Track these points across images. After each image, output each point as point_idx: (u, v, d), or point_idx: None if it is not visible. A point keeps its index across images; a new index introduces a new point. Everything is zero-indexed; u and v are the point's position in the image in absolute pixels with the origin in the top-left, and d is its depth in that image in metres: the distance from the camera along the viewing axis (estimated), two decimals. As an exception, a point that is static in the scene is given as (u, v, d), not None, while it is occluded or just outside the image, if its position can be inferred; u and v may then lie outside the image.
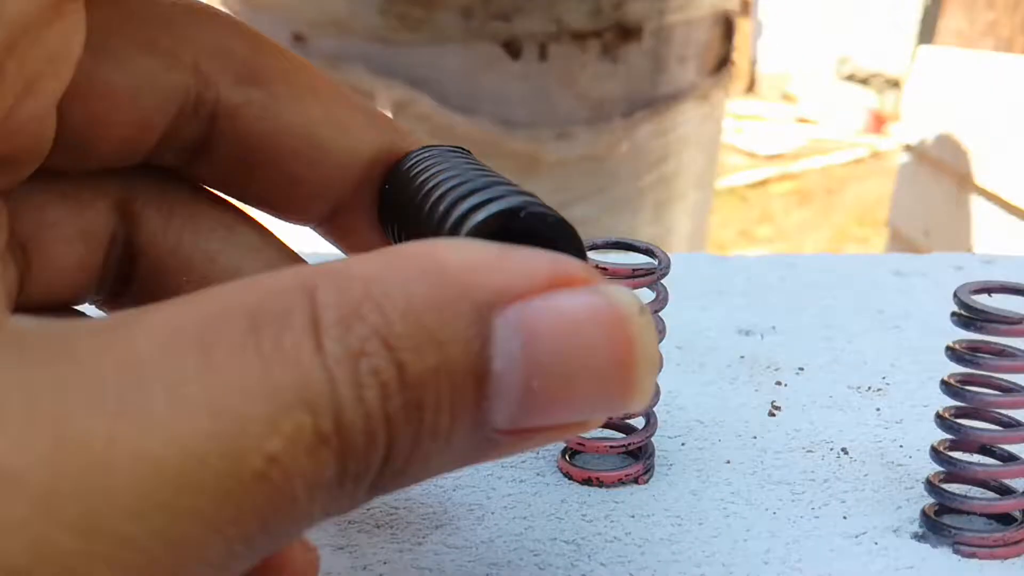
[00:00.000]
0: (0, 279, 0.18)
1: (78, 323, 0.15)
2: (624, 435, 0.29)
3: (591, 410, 0.17)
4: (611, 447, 0.29)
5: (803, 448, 0.31)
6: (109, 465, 0.13)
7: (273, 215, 0.25)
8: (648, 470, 0.29)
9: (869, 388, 0.35)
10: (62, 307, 0.23)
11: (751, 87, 5.01)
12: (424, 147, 0.24)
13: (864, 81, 4.64)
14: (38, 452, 0.13)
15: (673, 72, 1.19)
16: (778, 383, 0.35)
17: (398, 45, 1.02)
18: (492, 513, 0.27)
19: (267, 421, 0.14)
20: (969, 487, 0.27)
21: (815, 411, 0.33)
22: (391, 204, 0.24)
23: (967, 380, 0.26)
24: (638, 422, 0.30)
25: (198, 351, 0.14)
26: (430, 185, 0.22)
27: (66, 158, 0.21)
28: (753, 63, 5.01)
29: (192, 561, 0.14)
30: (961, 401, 0.26)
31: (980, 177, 1.19)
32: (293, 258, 0.25)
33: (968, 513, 0.27)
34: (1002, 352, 0.26)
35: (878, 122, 4.45)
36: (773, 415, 0.33)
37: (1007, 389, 0.26)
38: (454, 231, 0.19)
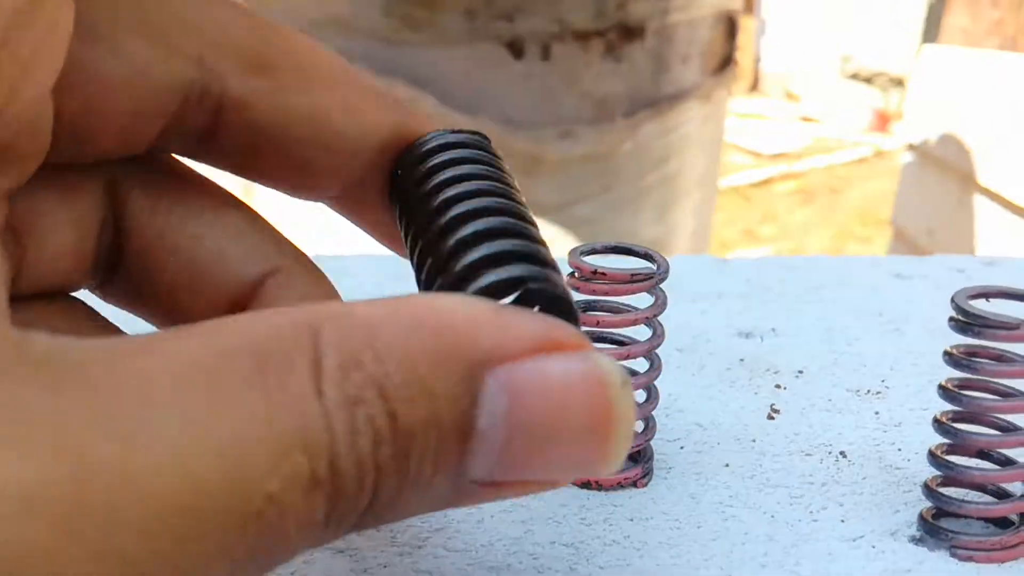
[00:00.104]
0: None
1: (92, 346, 0.15)
2: (623, 438, 0.29)
3: (564, 471, 0.18)
4: (610, 450, 0.29)
5: (802, 451, 0.31)
6: (124, 493, 0.14)
7: (284, 192, 0.25)
8: (647, 473, 0.29)
9: (868, 391, 0.35)
10: (57, 293, 0.23)
11: (755, 86, 5.01)
12: (436, 133, 0.24)
13: (868, 80, 4.63)
14: (60, 477, 0.13)
15: (676, 71, 1.19)
16: (777, 386, 0.35)
17: (401, 45, 1.02)
18: (491, 516, 0.27)
19: (269, 461, 0.15)
20: (967, 491, 0.27)
21: (814, 414, 0.33)
22: (400, 192, 0.24)
23: (965, 385, 0.27)
24: (637, 425, 0.30)
25: (207, 387, 0.15)
26: (438, 194, 0.22)
27: (66, 150, 0.21)
28: (757, 62, 5.01)
29: None
30: (959, 406, 0.26)
31: (984, 176, 1.19)
32: (280, 242, 0.25)
33: (966, 517, 0.27)
34: (1000, 357, 0.26)
35: (882, 121, 4.44)
36: (772, 418, 0.33)
37: (1005, 394, 0.26)
38: (459, 281, 0.19)
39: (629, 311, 0.29)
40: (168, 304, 0.24)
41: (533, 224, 0.22)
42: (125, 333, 0.24)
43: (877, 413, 0.33)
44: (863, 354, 0.38)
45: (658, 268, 0.28)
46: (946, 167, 1.28)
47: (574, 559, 0.25)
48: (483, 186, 0.22)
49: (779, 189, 3.67)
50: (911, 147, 1.41)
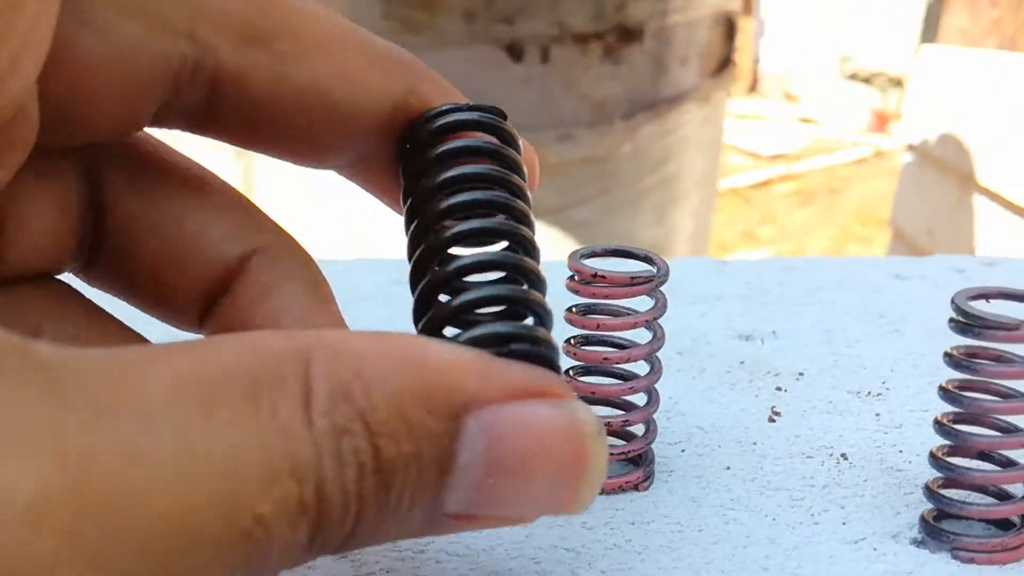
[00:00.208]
0: None
1: (93, 356, 0.15)
2: (624, 442, 0.29)
3: (533, 510, 0.19)
4: (611, 454, 0.29)
5: (803, 454, 0.31)
6: (125, 506, 0.14)
7: (289, 162, 0.24)
8: (648, 477, 0.29)
9: (869, 393, 0.35)
10: (40, 276, 0.23)
11: (753, 87, 5.01)
12: (450, 107, 0.23)
13: (867, 80, 4.63)
14: (65, 487, 0.13)
15: (675, 73, 1.19)
16: (778, 388, 0.35)
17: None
18: (492, 520, 0.27)
19: (260, 484, 0.15)
20: (968, 492, 0.27)
21: (815, 416, 0.33)
22: (406, 173, 0.23)
23: (965, 386, 0.27)
24: (638, 429, 0.30)
25: (202, 408, 0.15)
26: (443, 196, 0.22)
27: (59, 135, 0.21)
28: (755, 63, 5.01)
29: None
30: (959, 407, 0.26)
31: (983, 176, 1.19)
32: (263, 221, 0.24)
33: (967, 519, 0.27)
34: (1000, 358, 0.26)
35: (881, 121, 4.44)
36: (773, 421, 0.33)
37: (1005, 395, 0.26)
38: (451, 317, 0.21)
39: (629, 314, 0.29)
40: (151, 286, 0.24)
41: (532, 227, 0.23)
42: (111, 316, 0.24)
43: (878, 415, 0.33)
44: (863, 356, 0.38)
45: (658, 271, 0.28)
46: (945, 167, 1.28)
47: (575, 563, 0.25)
48: (488, 197, 0.22)
49: (778, 190, 3.68)
50: (910, 147, 1.41)
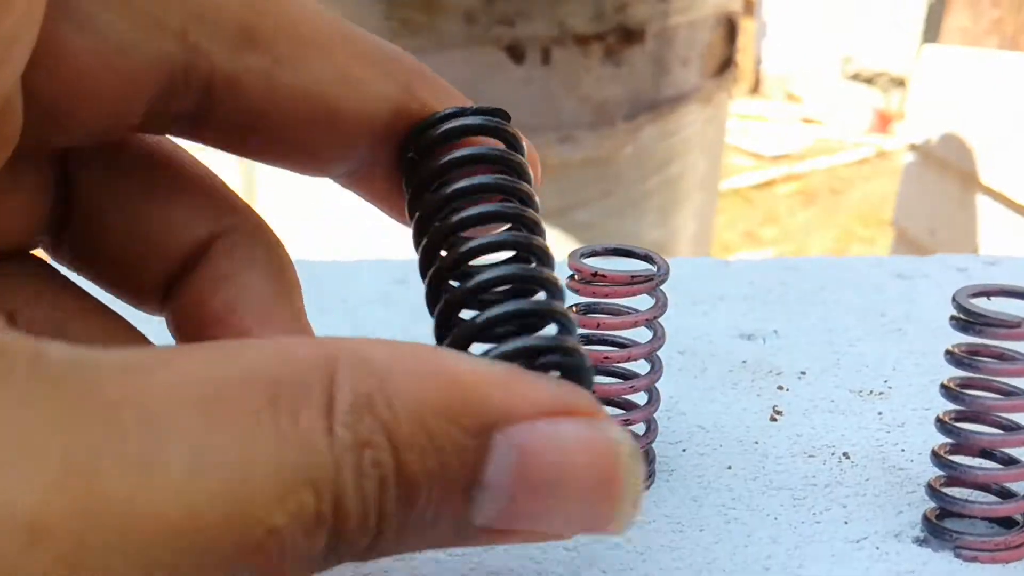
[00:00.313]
0: None
1: (107, 360, 0.15)
2: (625, 441, 0.29)
3: (567, 529, 0.18)
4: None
5: (804, 453, 0.31)
6: (128, 524, 0.14)
7: (287, 170, 0.24)
8: (649, 476, 0.29)
9: (871, 392, 0.35)
10: (11, 253, 0.23)
11: (755, 88, 5.01)
12: (453, 111, 0.23)
13: (869, 80, 4.63)
14: (68, 508, 0.13)
15: (676, 74, 1.19)
16: (780, 388, 0.35)
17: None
18: (493, 521, 0.27)
19: (275, 496, 0.15)
20: (970, 491, 0.27)
21: (817, 416, 0.33)
22: (412, 180, 0.23)
23: (967, 384, 0.26)
24: (639, 428, 0.30)
25: (218, 415, 0.15)
26: (453, 209, 0.22)
27: (47, 135, 0.20)
28: (757, 63, 5.01)
29: None
30: (961, 405, 0.26)
31: (986, 176, 1.19)
32: (232, 204, 0.24)
33: (970, 517, 0.27)
34: (1002, 356, 0.26)
35: (883, 122, 4.44)
36: (775, 420, 0.33)
37: (1007, 393, 0.26)
38: (477, 334, 0.20)
39: (629, 313, 0.29)
40: (114, 266, 0.24)
41: (543, 235, 0.22)
42: (86, 292, 0.24)
43: (880, 414, 0.33)
44: (865, 355, 0.38)
45: (658, 270, 0.28)
46: (948, 167, 1.28)
47: (576, 563, 0.25)
48: (500, 209, 0.22)
49: (781, 191, 3.67)
50: (913, 147, 1.41)
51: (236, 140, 0.22)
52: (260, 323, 0.23)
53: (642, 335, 0.29)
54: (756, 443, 0.31)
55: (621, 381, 0.29)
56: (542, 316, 0.21)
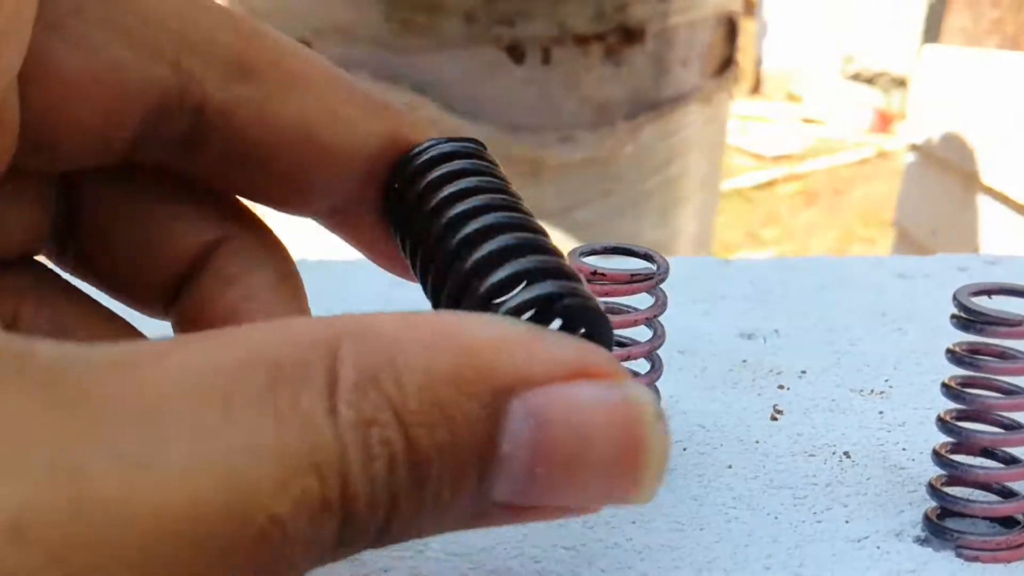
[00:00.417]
0: None
1: (99, 355, 0.15)
2: (625, 441, 0.29)
3: (592, 500, 0.17)
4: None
5: (805, 452, 0.31)
6: (122, 519, 0.13)
7: (273, 208, 0.24)
8: (649, 476, 0.29)
9: (872, 391, 0.35)
10: (15, 260, 0.23)
11: (756, 88, 5.01)
12: (432, 142, 0.23)
13: (870, 80, 4.63)
14: (56, 503, 0.13)
15: (676, 74, 1.19)
16: (780, 387, 0.35)
17: (402, 51, 1.03)
18: (493, 520, 0.27)
19: (277, 482, 0.14)
20: (972, 490, 0.27)
21: (817, 415, 0.33)
22: (400, 209, 0.23)
23: (968, 383, 0.26)
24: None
25: (217, 403, 0.14)
26: (446, 210, 0.22)
27: (37, 155, 0.20)
28: (758, 64, 5.01)
29: None
30: (962, 404, 0.26)
31: (987, 176, 1.18)
32: (235, 210, 0.24)
33: (971, 516, 0.27)
34: (1003, 354, 0.26)
35: (884, 121, 4.44)
36: (775, 419, 0.33)
37: (1008, 391, 0.26)
38: (486, 301, 0.19)
39: (629, 312, 0.29)
40: (119, 273, 0.24)
41: (545, 235, 0.22)
42: (89, 296, 0.24)
43: (881, 413, 0.33)
44: (866, 354, 0.37)
45: (658, 268, 0.28)
46: (949, 167, 1.28)
47: (575, 562, 0.25)
48: (492, 200, 0.22)
49: (782, 191, 3.67)
50: (913, 147, 1.41)
51: (222, 170, 0.22)
52: None
53: (642, 334, 0.29)
54: (757, 442, 0.31)
55: (621, 380, 0.29)
56: (551, 271, 0.19)
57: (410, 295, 0.42)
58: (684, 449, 0.31)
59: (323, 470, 0.15)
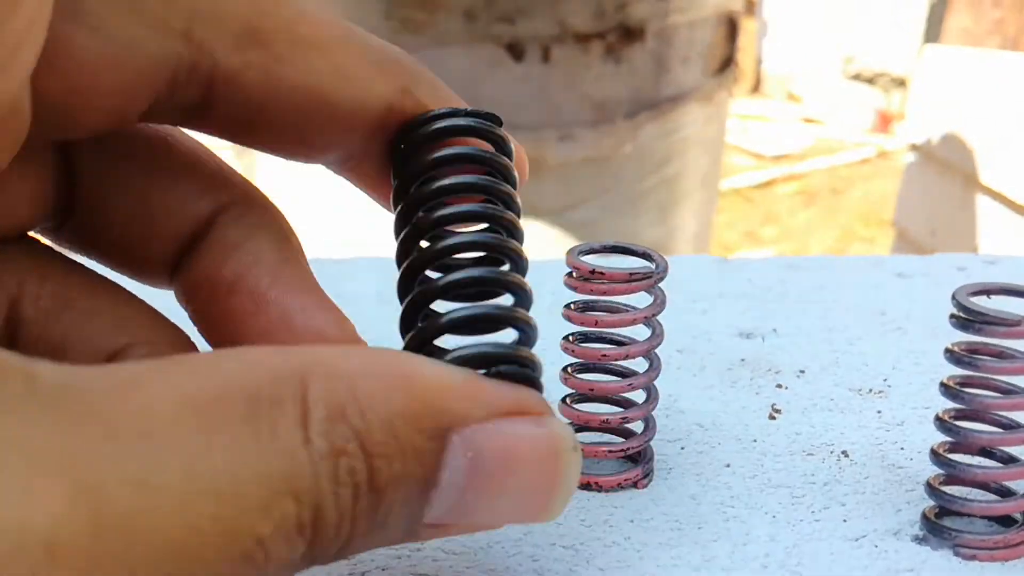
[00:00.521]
0: None
1: (94, 376, 0.15)
2: (623, 439, 0.29)
3: (504, 520, 0.20)
4: (610, 451, 0.29)
5: (803, 451, 0.31)
6: (133, 539, 0.14)
7: (282, 158, 0.24)
8: (647, 474, 0.29)
9: (870, 390, 0.35)
10: (14, 238, 0.23)
11: (756, 87, 5.01)
12: (443, 112, 0.23)
13: (870, 80, 4.63)
14: (80, 523, 0.14)
15: (676, 73, 1.19)
16: (779, 386, 0.35)
17: (401, 48, 1.02)
18: (490, 518, 0.27)
19: (261, 506, 0.15)
20: (970, 489, 0.27)
21: (816, 414, 0.33)
22: (399, 172, 0.23)
23: (966, 382, 0.26)
24: (637, 426, 0.30)
25: (204, 430, 0.15)
26: (435, 205, 0.22)
27: (54, 130, 0.21)
28: (758, 63, 5.01)
29: None
30: (960, 403, 0.26)
31: (986, 176, 1.18)
32: (230, 178, 0.24)
33: (969, 515, 0.27)
34: (1001, 354, 0.26)
35: (884, 121, 4.44)
36: (773, 418, 0.33)
37: (1006, 391, 0.26)
38: (441, 330, 0.21)
39: (628, 311, 0.29)
40: (121, 246, 0.24)
41: (520, 237, 0.23)
42: (90, 270, 0.24)
43: (879, 412, 0.33)
44: (865, 353, 0.37)
45: (656, 267, 0.28)
46: (948, 167, 1.28)
47: (574, 561, 0.25)
48: (479, 209, 0.23)
49: (781, 191, 3.67)
50: (913, 147, 1.41)
51: (232, 130, 0.23)
52: (271, 286, 0.23)
53: (640, 333, 0.29)
54: (755, 441, 0.31)
55: (619, 379, 0.29)
56: (502, 321, 0.21)
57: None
58: (682, 448, 0.31)
59: (299, 495, 0.16)
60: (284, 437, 0.16)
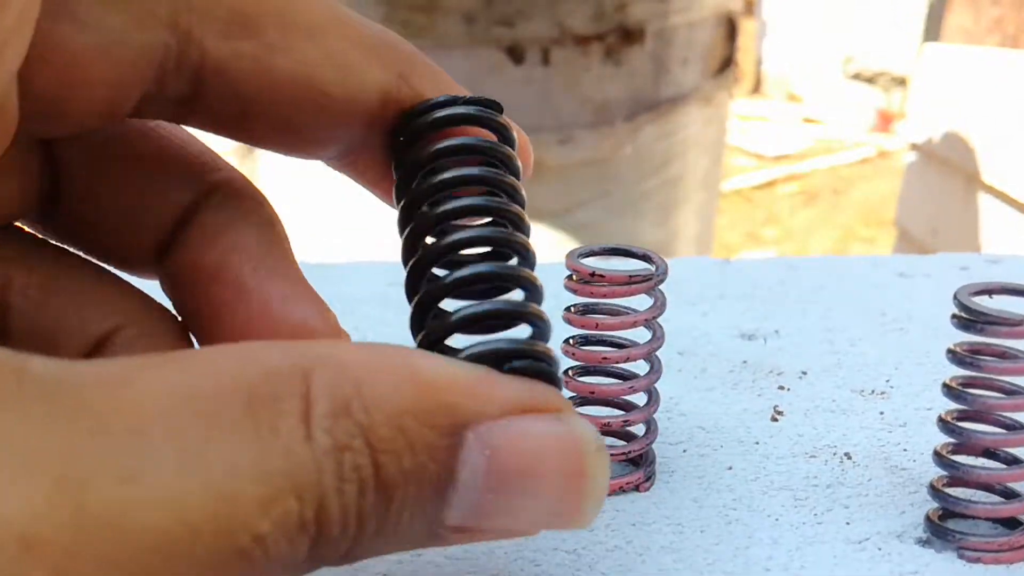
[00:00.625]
0: None
1: (87, 371, 0.15)
2: (625, 443, 0.29)
3: (535, 524, 0.19)
4: (612, 455, 0.29)
5: (806, 453, 0.30)
6: (120, 533, 0.14)
7: (279, 153, 0.24)
8: (649, 478, 0.29)
9: (873, 391, 0.34)
10: (1, 229, 0.23)
11: (756, 88, 5.01)
12: (443, 100, 0.23)
13: (870, 80, 4.63)
14: (61, 518, 0.13)
15: (676, 74, 1.19)
16: (781, 388, 0.35)
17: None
18: (492, 523, 0.27)
19: (260, 503, 0.15)
20: (973, 491, 0.27)
21: (818, 416, 0.33)
22: (399, 164, 0.23)
23: (969, 383, 0.26)
24: (639, 429, 0.29)
25: (200, 425, 0.15)
26: (439, 200, 0.22)
27: (41, 126, 0.20)
28: (758, 64, 5.01)
29: None
30: (963, 404, 0.26)
31: (987, 175, 1.18)
32: (215, 164, 0.24)
33: (973, 518, 0.26)
34: (1004, 354, 0.26)
35: (885, 121, 4.44)
36: (776, 420, 0.33)
37: (1009, 391, 0.26)
38: (451, 329, 0.20)
39: (628, 313, 0.29)
40: (106, 237, 0.24)
41: (527, 231, 0.22)
42: (80, 257, 0.24)
43: (882, 413, 0.33)
44: (867, 354, 0.37)
45: (656, 269, 0.28)
46: (950, 166, 1.28)
47: (576, 565, 0.25)
48: (484, 202, 0.22)
49: (782, 191, 3.67)
50: (914, 147, 1.40)
51: (225, 123, 0.22)
52: (253, 275, 0.23)
53: (641, 335, 0.29)
54: (757, 444, 0.31)
55: (620, 382, 0.29)
56: (514, 317, 0.21)
57: (404, 295, 0.42)
58: (684, 451, 0.31)
59: (302, 493, 0.15)
60: (285, 433, 0.16)
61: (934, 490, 0.26)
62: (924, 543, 0.26)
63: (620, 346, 0.29)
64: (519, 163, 0.23)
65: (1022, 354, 0.25)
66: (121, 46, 0.19)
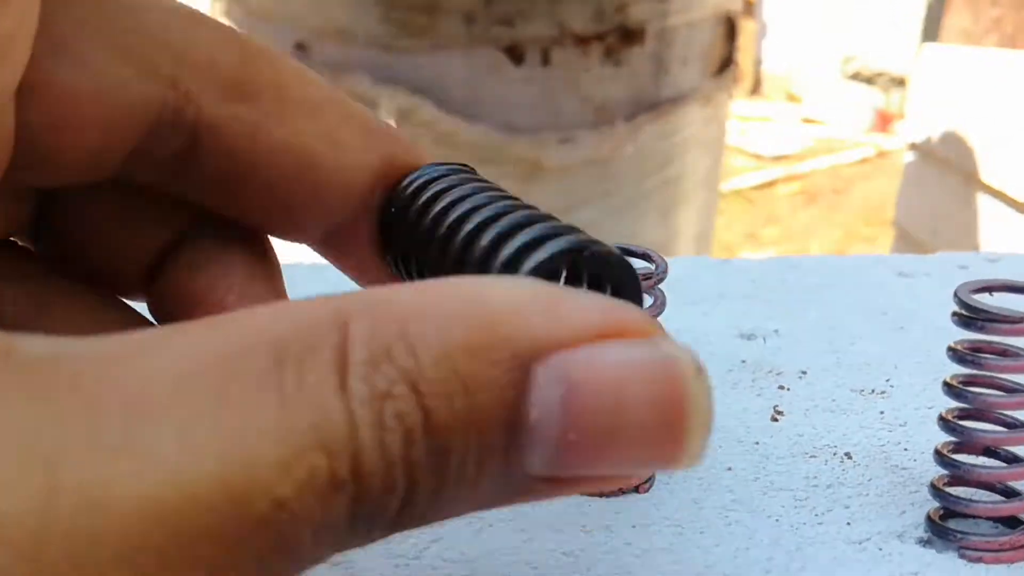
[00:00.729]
0: None
1: (92, 347, 0.14)
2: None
3: (633, 467, 0.16)
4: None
5: (806, 453, 0.30)
6: (101, 507, 0.13)
7: (266, 232, 0.24)
8: (649, 479, 0.29)
9: (873, 391, 0.34)
10: None
11: (756, 88, 5.01)
12: (429, 165, 0.23)
13: (869, 80, 4.63)
14: (28, 497, 0.12)
15: (676, 74, 1.19)
16: (780, 387, 0.35)
17: (400, 52, 1.02)
18: (490, 526, 0.26)
19: (278, 464, 0.13)
20: (974, 490, 0.27)
21: (818, 415, 0.33)
22: (397, 227, 0.23)
23: (969, 381, 0.26)
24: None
25: (215, 387, 0.14)
26: (446, 215, 0.22)
27: (32, 171, 0.20)
28: (758, 64, 5.01)
29: None
30: (964, 403, 0.26)
31: (986, 175, 1.18)
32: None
33: (974, 517, 0.26)
34: (1004, 352, 0.26)
35: (884, 121, 4.44)
36: (775, 420, 0.32)
37: (1010, 390, 0.26)
38: (506, 270, 0.18)
39: (627, 313, 0.28)
40: (95, 265, 0.24)
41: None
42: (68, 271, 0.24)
43: (882, 413, 0.33)
44: (867, 353, 0.37)
45: (656, 268, 0.28)
46: (949, 166, 1.28)
47: (574, 568, 0.25)
48: (493, 196, 0.22)
49: (782, 191, 3.67)
50: (913, 146, 1.40)
51: (216, 189, 0.22)
52: (238, 303, 0.23)
53: (640, 335, 0.28)
54: (757, 444, 0.31)
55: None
56: (568, 230, 0.19)
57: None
58: (683, 451, 0.30)
59: (332, 448, 0.14)
60: (314, 385, 0.14)
61: (935, 489, 0.26)
62: (925, 543, 0.26)
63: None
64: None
65: (1023, 351, 0.25)
66: (119, 91, 0.20)
